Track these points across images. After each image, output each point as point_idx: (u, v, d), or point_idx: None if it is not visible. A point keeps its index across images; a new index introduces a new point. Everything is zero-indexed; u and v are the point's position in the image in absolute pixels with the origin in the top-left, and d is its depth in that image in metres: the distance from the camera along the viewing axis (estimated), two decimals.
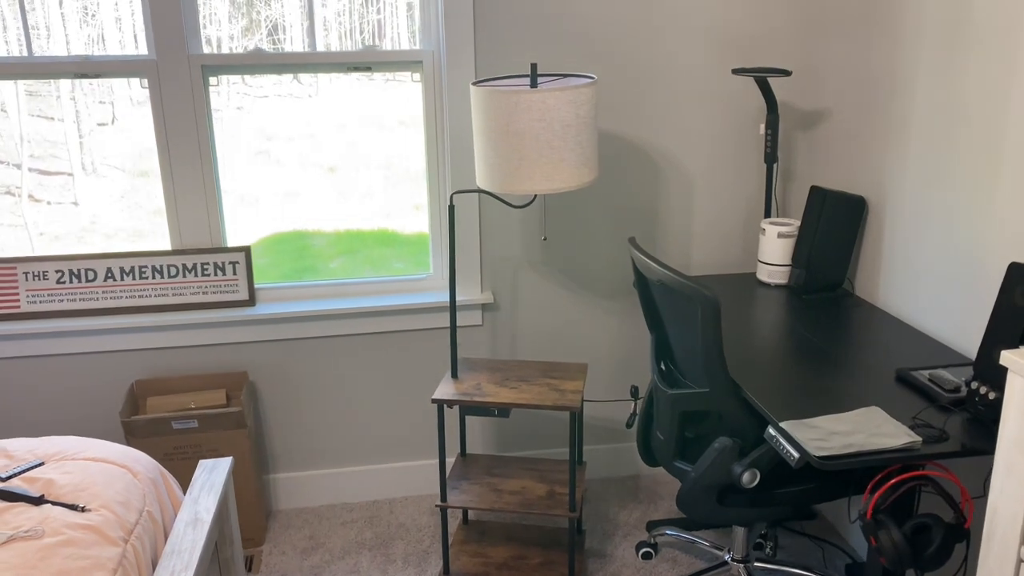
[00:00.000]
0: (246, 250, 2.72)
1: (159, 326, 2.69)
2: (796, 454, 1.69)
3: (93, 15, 2.56)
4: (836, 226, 2.49)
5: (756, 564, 2.43)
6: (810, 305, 2.46)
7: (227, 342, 2.75)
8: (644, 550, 2.63)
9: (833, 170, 2.65)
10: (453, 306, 2.40)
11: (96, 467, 1.65)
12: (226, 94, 2.70)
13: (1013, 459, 1.35)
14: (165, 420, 2.49)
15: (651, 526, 2.78)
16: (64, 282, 2.63)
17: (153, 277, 2.68)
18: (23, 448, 1.71)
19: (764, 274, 2.67)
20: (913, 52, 2.23)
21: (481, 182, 2.23)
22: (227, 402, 2.68)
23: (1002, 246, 1.96)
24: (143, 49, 2.57)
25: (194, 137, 2.61)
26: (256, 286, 2.79)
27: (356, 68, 2.68)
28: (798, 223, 2.62)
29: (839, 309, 2.43)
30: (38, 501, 1.52)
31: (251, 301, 2.75)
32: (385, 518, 2.87)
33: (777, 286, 2.64)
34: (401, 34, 2.75)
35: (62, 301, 2.64)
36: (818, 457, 1.60)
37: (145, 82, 2.56)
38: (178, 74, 2.55)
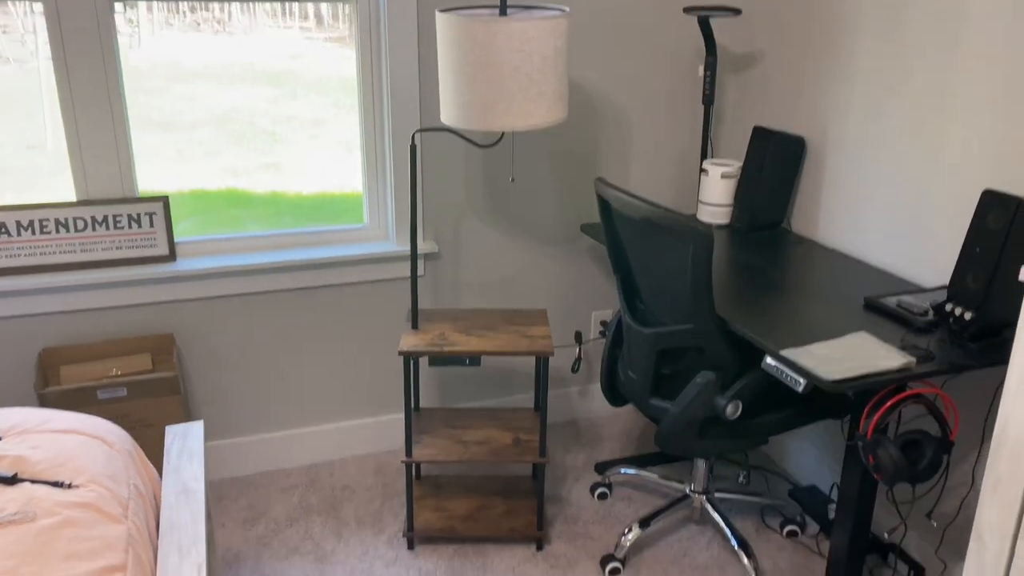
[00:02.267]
0: (164, 200, 2.45)
1: (66, 287, 2.39)
2: (802, 380, 1.73)
3: None
4: (778, 166, 2.57)
5: (716, 495, 2.50)
6: (755, 243, 2.53)
7: (146, 302, 2.48)
8: (599, 491, 2.65)
9: (768, 111, 2.72)
10: (414, 254, 2.28)
11: (68, 439, 1.44)
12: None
13: None
14: (90, 390, 2.22)
15: (601, 467, 2.80)
16: None
17: (57, 231, 2.37)
18: None
19: (706, 215, 2.71)
20: None
21: (448, 119, 2.11)
22: (152, 367, 2.43)
23: (946, 178, 2.08)
24: None
25: (100, 72, 2.31)
26: (176, 240, 2.54)
27: None
28: (739, 164, 2.68)
29: (783, 246, 2.51)
30: (12, 480, 1.30)
31: (171, 256, 2.50)
32: (327, 481, 2.73)
33: (719, 226, 2.70)
34: None
35: None
36: (830, 381, 1.65)
37: (39, 6, 2.23)
38: None
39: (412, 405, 2.55)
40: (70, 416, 1.54)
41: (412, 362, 2.56)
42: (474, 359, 2.24)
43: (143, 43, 2.52)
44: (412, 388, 2.52)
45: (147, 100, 2.52)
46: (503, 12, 2.06)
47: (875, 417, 1.73)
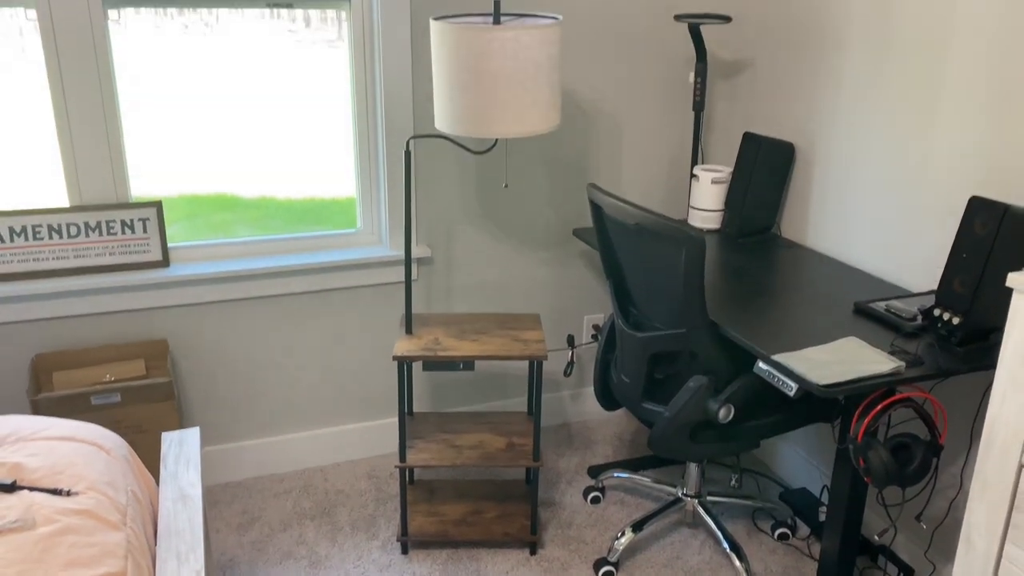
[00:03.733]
0: (157, 205, 2.46)
1: (59, 292, 2.39)
2: (794, 385, 1.75)
3: None
4: (768, 171, 2.59)
5: (708, 498, 2.52)
6: (745, 248, 2.56)
7: (139, 308, 2.49)
8: (592, 494, 2.67)
9: (758, 118, 2.75)
10: (408, 258, 2.29)
11: (65, 446, 1.44)
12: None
13: (1016, 372, 1.46)
14: (83, 396, 2.22)
15: (594, 471, 2.82)
16: None
17: (50, 237, 2.37)
18: None
19: (697, 220, 2.74)
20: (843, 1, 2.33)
21: (442, 126, 2.12)
22: (146, 373, 2.43)
23: (933, 184, 2.11)
24: None
25: (94, 77, 2.31)
26: (169, 245, 2.54)
27: (276, 4, 2.47)
28: (730, 169, 2.70)
29: (773, 251, 2.54)
30: (11, 488, 1.31)
31: (164, 262, 2.50)
32: (320, 486, 2.73)
33: (710, 231, 2.72)
34: None
35: None
36: (821, 385, 1.67)
37: (32, 13, 2.23)
38: (73, 3, 2.24)
39: (406, 410, 2.56)
40: (66, 423, 1.54)
41: (406, 367, 2.57)
42: (468, 363, 2.25)
43: (129, 44, 2.51)
44: (406, 393, 2.53)
45: (133, 102, 2.50)
46: (497, 20, 2.08)
47: (865, 421, 1.76)
